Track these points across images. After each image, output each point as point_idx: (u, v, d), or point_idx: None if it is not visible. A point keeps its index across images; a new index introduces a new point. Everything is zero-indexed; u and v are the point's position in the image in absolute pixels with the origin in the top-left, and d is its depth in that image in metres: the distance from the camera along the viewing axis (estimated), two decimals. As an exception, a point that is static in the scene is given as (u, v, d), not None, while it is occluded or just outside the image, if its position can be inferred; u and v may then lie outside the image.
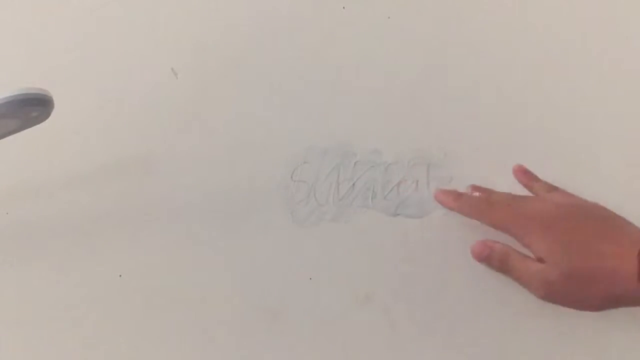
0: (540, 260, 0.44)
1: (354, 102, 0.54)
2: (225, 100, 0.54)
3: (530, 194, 0.50)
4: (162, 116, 0.53)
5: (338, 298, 0.50)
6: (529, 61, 0.55)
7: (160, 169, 0.52)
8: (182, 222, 0.51)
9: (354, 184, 0.53)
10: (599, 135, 0.53)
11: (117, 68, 0.54)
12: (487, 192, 0.50)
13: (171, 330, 0.50)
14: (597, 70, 0.55)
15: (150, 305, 0.50)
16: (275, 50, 0.54)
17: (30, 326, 0.49)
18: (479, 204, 0.48)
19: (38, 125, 0.41)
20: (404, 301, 0.50)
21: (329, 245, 0.51)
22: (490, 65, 0.54)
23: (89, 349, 0.49)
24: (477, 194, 0.50)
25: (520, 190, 0.51)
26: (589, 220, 0.45)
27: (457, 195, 0.50)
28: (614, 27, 0.55)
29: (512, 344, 0.49)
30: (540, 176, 0.52)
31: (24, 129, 0.41)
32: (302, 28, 0.55)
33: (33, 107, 0.38)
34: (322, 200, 0.52)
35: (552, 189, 0.50)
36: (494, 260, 0.47)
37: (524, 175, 0.51)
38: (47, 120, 0.40)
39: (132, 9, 0.55)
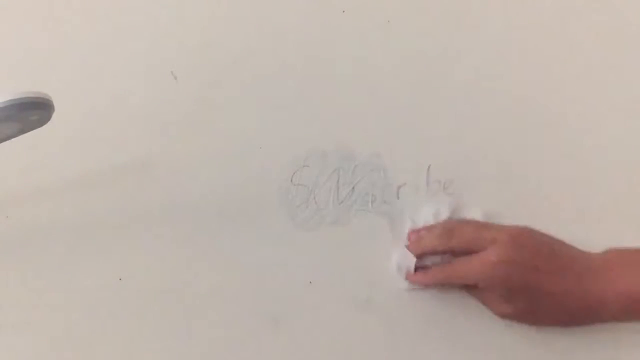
0: None
1: (353, 106, 0.54)
2: (225, 103, 0.54)
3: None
4: (161, 119, 0.53)
5: (338, 302, 0.50)
6: (530, 66, 0.55)
7: (159, 172, 0.52)
8: (182, 226, 0.51)
9: (353, 188, 0.53)
10: (599, 143, 0.53)
11: (116, 71, 0.54)
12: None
13: (171, 334, 0.50)
14: (598, 80, 0.55)
15: (150, 308, 0.50)
16: (274, 53, 0.54)
17: (30, 329, 0.49)
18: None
19: (38, 129, 0.41)
20: (404, 305, 0.50)
21: (329, 249, 0.51)
22: (491, 69, 0.55)
23: (89, 352, 0.49)
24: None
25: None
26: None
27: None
28: (614, 32, 0.55)
29: (511, 346, 0.49)
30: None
31: (24, 132, 0.41)
32: (301, 31, 0.55)
33: (33, 111, 0.38)
34: (322, 203, 0.52)
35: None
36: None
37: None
38: (47, 124, 0.40)
39: (132, 12, 0.55)
